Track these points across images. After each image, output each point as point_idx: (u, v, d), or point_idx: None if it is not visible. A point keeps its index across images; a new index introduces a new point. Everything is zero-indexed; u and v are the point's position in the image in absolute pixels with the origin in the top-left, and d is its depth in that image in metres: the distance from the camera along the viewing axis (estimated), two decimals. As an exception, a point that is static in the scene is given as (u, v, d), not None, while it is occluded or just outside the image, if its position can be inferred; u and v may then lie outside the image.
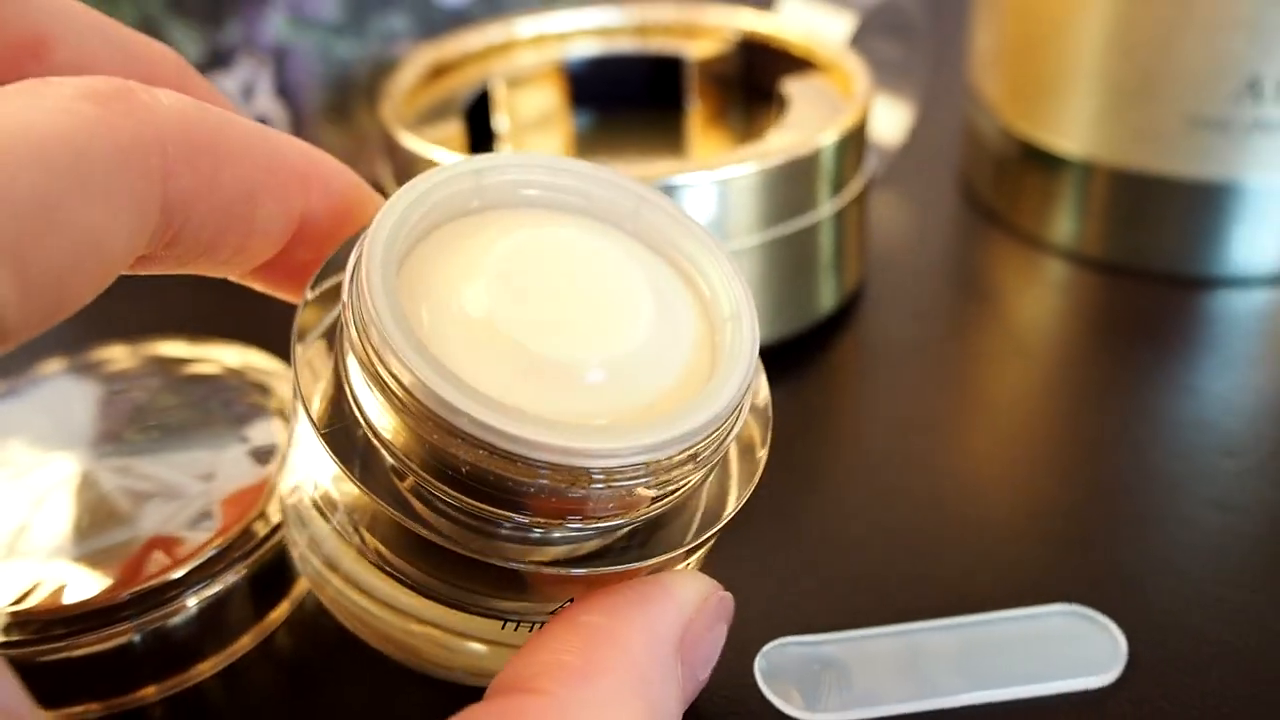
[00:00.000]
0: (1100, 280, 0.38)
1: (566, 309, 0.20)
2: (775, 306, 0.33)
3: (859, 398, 0.33)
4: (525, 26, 0.40)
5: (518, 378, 0.19)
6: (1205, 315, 0.36)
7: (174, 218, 0.17)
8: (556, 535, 0.20)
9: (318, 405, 0.20)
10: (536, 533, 0.19)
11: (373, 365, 0.18)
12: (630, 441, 0.18)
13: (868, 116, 0.35)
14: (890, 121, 0.44)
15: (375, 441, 0.19)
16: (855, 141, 0.34)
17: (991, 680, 0.24)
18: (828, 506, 0.29)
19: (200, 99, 0.20)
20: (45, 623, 0.23)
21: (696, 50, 0.40)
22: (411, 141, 0.33)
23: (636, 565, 0.20)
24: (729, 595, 0.21)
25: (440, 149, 0.32)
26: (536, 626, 0.21)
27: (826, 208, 0.33)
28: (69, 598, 0.23)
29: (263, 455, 0.26)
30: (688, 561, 0.22)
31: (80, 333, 0.31)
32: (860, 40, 0.40)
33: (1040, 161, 0.38)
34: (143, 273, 0.19)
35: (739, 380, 0.19)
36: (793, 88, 0.36)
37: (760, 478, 0.21)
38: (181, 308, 0.36)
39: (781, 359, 0.33)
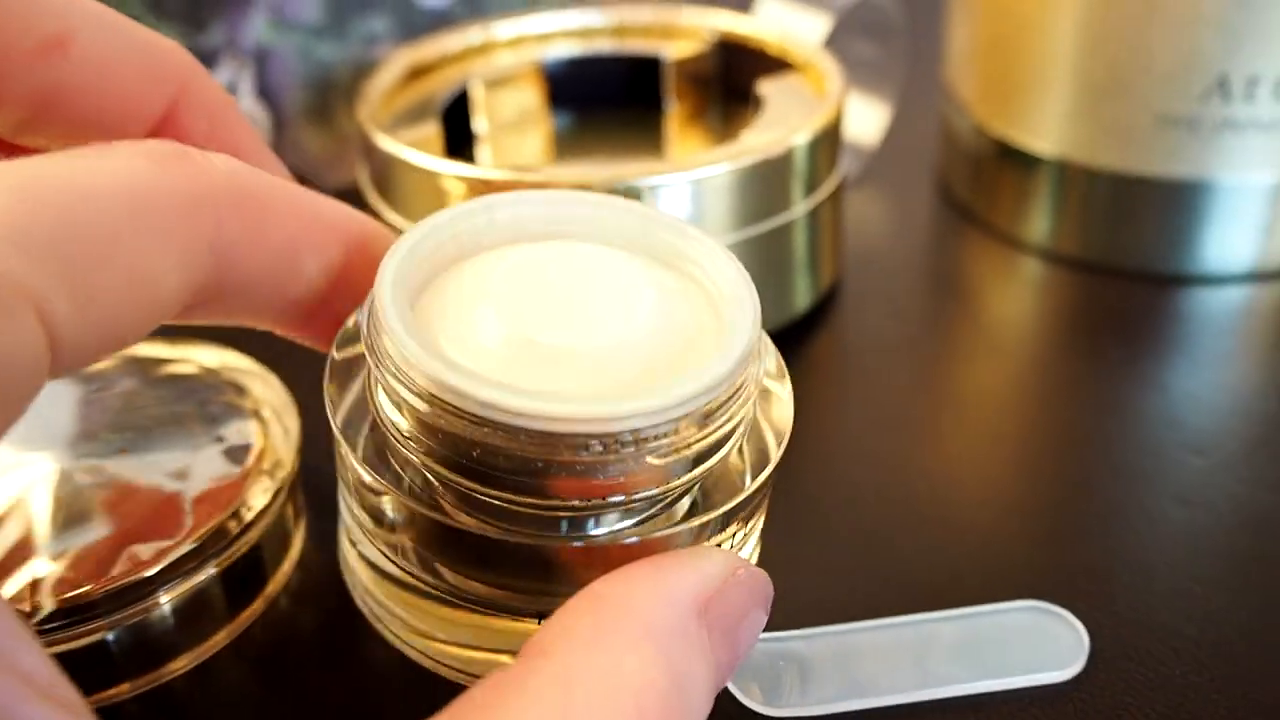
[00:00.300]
0: (1074, 278, 0.38)
1: (570, 305, 0.21)
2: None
3: (833, 396, 0.33)
4: (503, 28, 0.40)
5: (523, 366, 0.20)
6: (1177, 313, 0.36)
7: (223, 265, 0.19)
8: (584, 520, 0.21)
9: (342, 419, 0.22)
10: (563, 523, 0.21)
11: (383, 367, 0.20)
12: (631, 407, 0.19)
13: (841, 116, 0.35)
14: (867, 121, 0.44)
15: (398, 444, 0.21)
16: (829, 140, 0.34)
17: (953, 676, 0.24)
18: (797, 504, 0.29)
19: (210, 99, 0.24)
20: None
21: (674, 51, 0.40)
22: (387, 143, 0.33)
23: (655, 535, 0.21)
24: (762, 573, 0.20)
25: (415, 150, 0.32)
26: None
27: (800, 207, 0.33)
28: (43, 595, 0.23)
29: (237, 454, 0.26)
30: (726, 544, 0.23)
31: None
32: (837, 40, 0.40)
33: (1015, 160, 0.39)
34: (192, 322, 0.20)
35: (742, 347, 0.20)
36: (767, 88, 0.36)
37: (777, 459, 0.22)
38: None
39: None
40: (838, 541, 0.28)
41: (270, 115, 0.44)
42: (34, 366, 0.15)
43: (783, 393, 0.23)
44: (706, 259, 0.23)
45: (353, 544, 0.24)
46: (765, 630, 0.25)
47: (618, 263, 0.22)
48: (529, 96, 0.40)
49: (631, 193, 0.30)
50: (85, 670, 0.24)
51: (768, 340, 0.23)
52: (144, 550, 0.24)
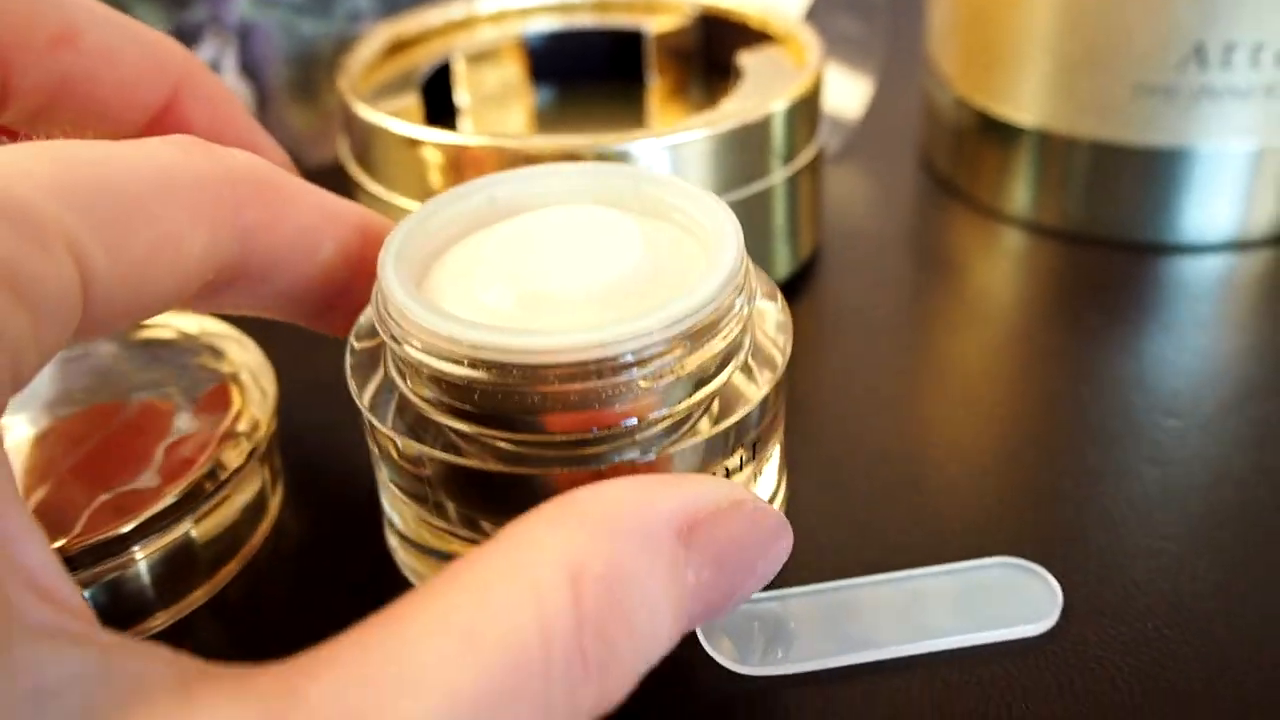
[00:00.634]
0: (1055, 249, 0.38)
1: (564, 258, 0.22)
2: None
3: (811, 362, 0.33)
4: (485, 2, 0.40)
5: (521, 314, 0.22)
6: (1156, 282, 0.36)
7: (245, 247, 0.20)
8: (597, 456, 0.22)
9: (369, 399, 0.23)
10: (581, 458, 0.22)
11: (390, 333, 0.21)
12: (618, 331, 0.20)
13: (820, 85, 0.35)
14: (849, 96, 0.44)
15: (415, 406, 0.22)
16: (807, 110, 0.34)
17: (927, 631, 0.24)
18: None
19: (209, 91, 0.26)
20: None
21: (656, 25, 0.40)
22: (367, 112, 0.33)
23: (660, 455, 0.22)
24: (774, 512, 0.20)
25: (396, 119, 0.32)
26: None
27: (779, 174, 0.33)
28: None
29: (213, 415, 0.26)
30: (740, 475, 0.24)
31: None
32: (820, 15, 0.40)
33: (996, 132, 0.39)
34: (220, 309, 0.23)
35: (726, 269, 0.22)
36: (747, 60, 0.36)
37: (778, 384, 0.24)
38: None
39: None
40: (816, 504, 0.28)
41: (254, 92, 0.44)
42: (70, 298, 0.16)
43: (780, 313, 0.25)
44: (694, 207, 0.24)
45: (401, 536, 0.25)
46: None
47: (609, 218, 0.24)
48: (511, 71, 0.40)
49: (612, 159, 0.30)
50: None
51: (761, 272, 0.25)
52: (120, 508, 0.24)
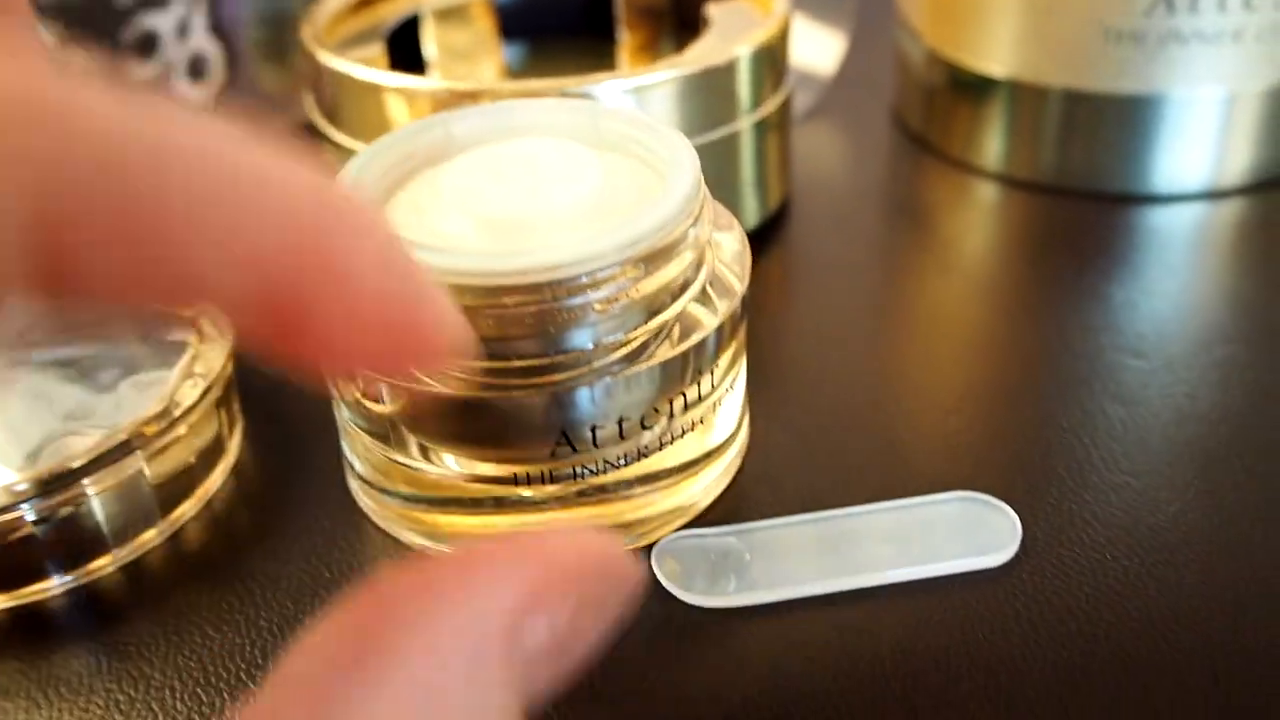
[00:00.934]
0: (1027, 200, 0.38)
1: (523, 186, 0.22)
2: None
3: (779, 309, 0.33)
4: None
5: (479, 240, 0.22)
6: (1127, 231, 0.36)
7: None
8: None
9: None
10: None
11: None
12: (572, 253, 0.20)
13: (786, 33, 0.35)
14: (822, 52, 0.44)
15: None
16: (772, 57, 0.34)
17: (885, 564, 0.24)
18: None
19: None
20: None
21: (626, -20, 0.40)
22: (331, 60, 0.33)
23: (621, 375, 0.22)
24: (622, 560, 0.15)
25: (359, 65, 0.32)
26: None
27: (745, 120, 0.33)
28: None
29: (169, 356, 0.26)
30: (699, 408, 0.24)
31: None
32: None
33: (967, 85, 0.39)
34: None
35: (679, 196, 0.22)
36: (715, 10, 0.36)
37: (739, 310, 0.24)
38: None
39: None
40: (779, 444, 0.28)
41: (224, 52, 0.44)
42: None
43: (737, 242, 0.25)
44: (652, 139, 0.24)
45: (362, 479, 0.25)
46: (703, 526, 0.25)
47: (567, 149, 0.24)
48: (480, 28, 0.40)
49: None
50: (13, 563, 0.23)
51: (720, 206, 0.25)
52: (73, 442, 0.24)
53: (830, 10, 0.44)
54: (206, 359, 0.26)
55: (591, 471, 0.23)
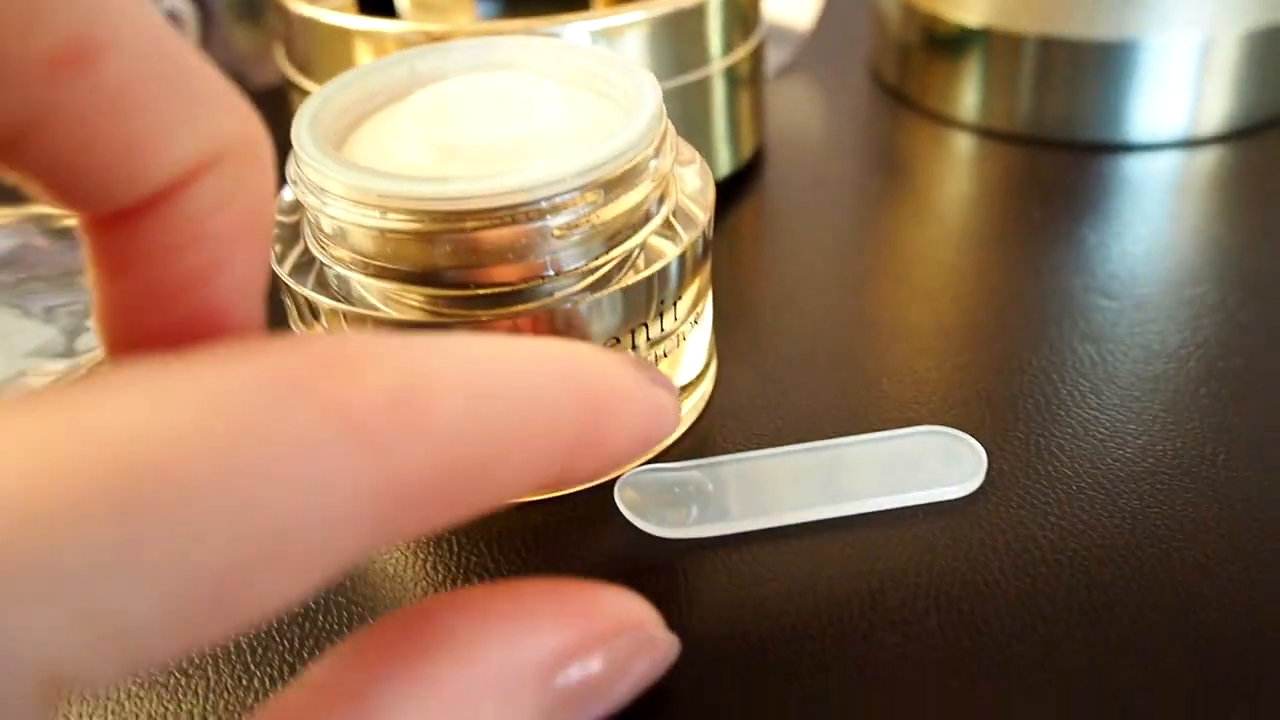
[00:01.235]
0: (1004, 151, 0.38)
1: (485, 117, 0.23)
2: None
3: (751, 256, 0.33)
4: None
5: (440, 167, 0.22)
6: (1102, 179, 0.36)
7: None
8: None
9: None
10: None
11: (306, 191, 0.21)
12: (531, 177, 0.20)
13: (759, -21, 0.35)
14: (799, 7, 0.44)
15: (332, 266, 0.22)
16: (740, 3, 0.34)
17: (851, 495, 0.24)
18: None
19: (252, 195, 0.15)
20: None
21: (600, -69, 0.40)
22: (300, 7, 0.33)
23: (577, 305, 0.22)
24: (667, 640, 0.18)
25: (325, 10, 0.32)
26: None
27: (716, 64, 0.33)
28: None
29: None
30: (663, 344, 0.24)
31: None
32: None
33: (943, 36, 0.38)
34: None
35: (640, 125, 0.22)
36: (688, -42, 0.36)
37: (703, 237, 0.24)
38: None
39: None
40: (749, 383, 0.28)
41: (198, 12, 0.44)
42: None
43: (699, 175, 0.25)
44: (616, 73, 0.24)
45: None
46: (672, 460, 0.25)
47: (531, 82, 0.24)
48: (454, -21, 0.40)
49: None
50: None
51: (683, 140, 0.25)
52: (33, 382, 0.24)
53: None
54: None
55: None
